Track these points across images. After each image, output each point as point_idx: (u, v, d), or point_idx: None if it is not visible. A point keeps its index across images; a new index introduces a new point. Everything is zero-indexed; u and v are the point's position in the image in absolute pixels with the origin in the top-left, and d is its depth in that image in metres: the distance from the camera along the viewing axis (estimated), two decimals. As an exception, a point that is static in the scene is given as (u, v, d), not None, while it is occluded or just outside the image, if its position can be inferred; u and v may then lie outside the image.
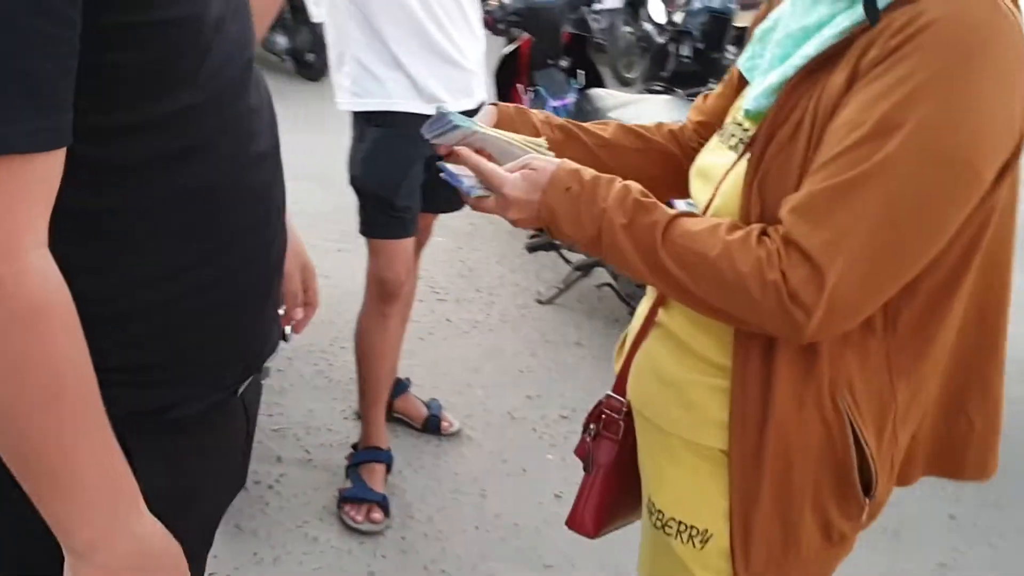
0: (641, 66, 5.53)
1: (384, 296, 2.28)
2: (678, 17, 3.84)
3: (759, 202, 0.95)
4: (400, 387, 2.71)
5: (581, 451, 1.25)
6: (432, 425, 2.71)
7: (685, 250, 0.92)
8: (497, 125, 1.17)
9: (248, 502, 2.35)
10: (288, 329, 1.21)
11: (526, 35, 3.54)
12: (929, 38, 0.84)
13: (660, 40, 3.85)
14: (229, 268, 0.94)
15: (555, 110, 3.49)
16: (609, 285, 3.34)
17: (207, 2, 0.84)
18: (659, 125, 1.26)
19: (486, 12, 3.32)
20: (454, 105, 2.18)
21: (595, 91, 3.36)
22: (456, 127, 1.05)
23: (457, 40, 2.17)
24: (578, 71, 3.61)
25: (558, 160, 1.03)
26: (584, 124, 1.22)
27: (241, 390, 1.01)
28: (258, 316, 1.00)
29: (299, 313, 1.21)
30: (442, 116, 1.06)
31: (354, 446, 2.48)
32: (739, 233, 0.91)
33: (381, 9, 2.05)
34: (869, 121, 0.85)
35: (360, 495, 2.34)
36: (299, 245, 1.23)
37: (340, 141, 2.29)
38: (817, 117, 0.91)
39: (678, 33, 3.71)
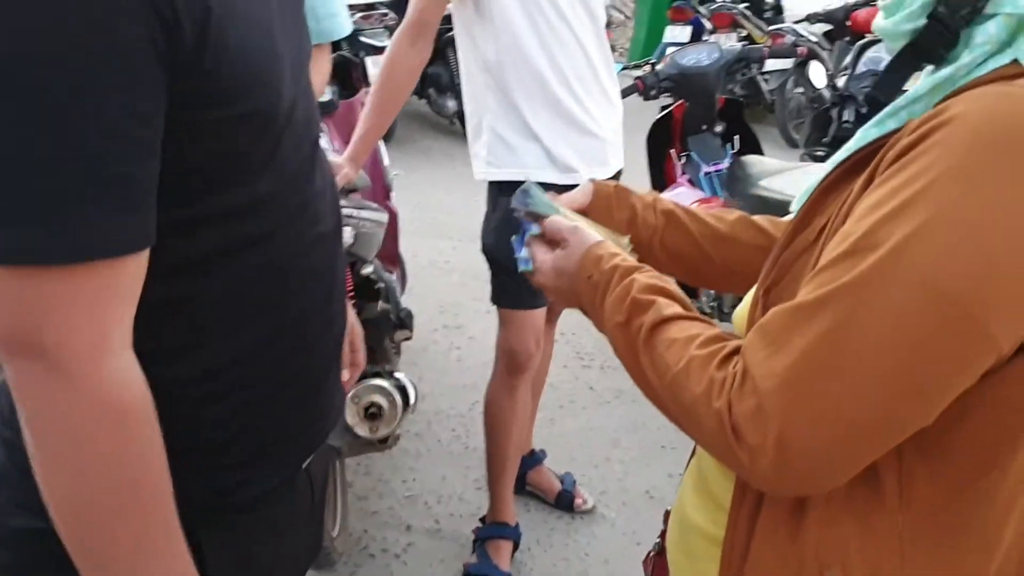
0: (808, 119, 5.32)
1: (513, 368, 2.24)
2: (841, 81, 3.65)
3: (762, 311, 0.81)
4: (534, 459, 2.65)
5: (645, 565, 1.12)
6: (565, 501, 2.63)
7: (659, 358, 0.80)
8: (593, 204, 1.11)
9: (373, 570, 2.34)
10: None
11: (679, 100, 3.47)
12: (941, 138, 0.66)
13: (823, 103, 3.68)
14: (298, 346, 0.94)
15: (708, 176, 3.38)
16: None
17: (280, 91, 0.85)
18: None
19: (636, 78, 3.28)
20: (588, 173, 2.14)
21: (749, 158, 3.23)
22: (535, 210, 1.02)
23: (592, 110, 2.14)
24: (734, 136, 3.49)
25: (589, 242, 0.95)
26: (700, 212, 1.12)
27: (307, 463, 1.02)
28: (323, 391, 1.01)
29: (346, 374, 1.20)
30: (525, 193, 1.02)
31: (482, 519, 2.43)
32: (710, 348, 0.77)
33: (516, 80, 2.05)
34: (856, 233, 0.69)
35: (484, 572, 2.28)
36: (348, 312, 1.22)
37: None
38: (836, 223, 0.76)
39: (841, 97, 3.52)
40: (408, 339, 2.37)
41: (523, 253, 1.02)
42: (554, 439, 2.91)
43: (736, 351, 0.75)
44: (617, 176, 2.28)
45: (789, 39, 6.43)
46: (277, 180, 0.88)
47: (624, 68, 3.39)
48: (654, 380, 0.81)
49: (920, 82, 0.77)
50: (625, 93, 3.18)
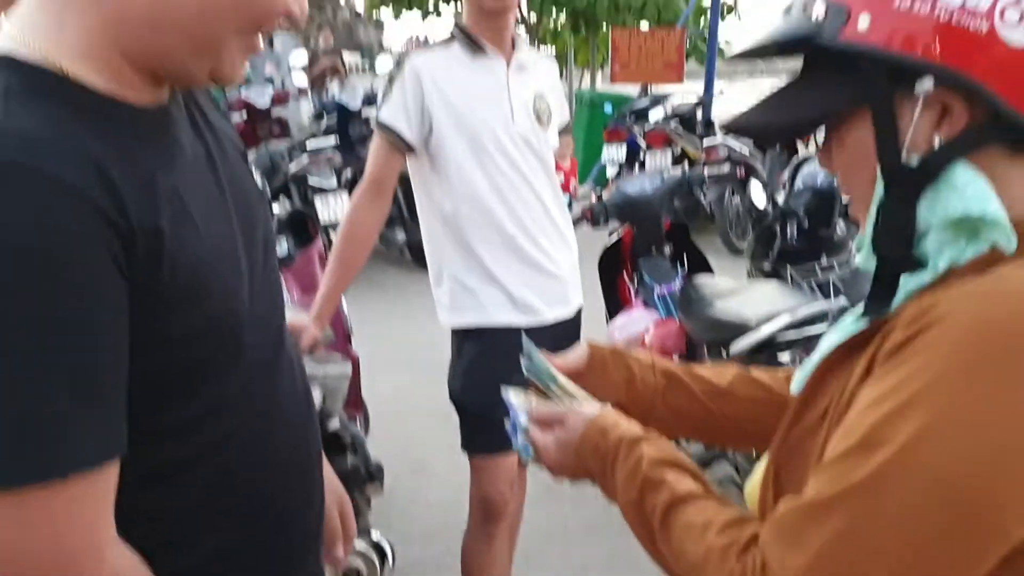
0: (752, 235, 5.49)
1: (489, 516, 2.20)
2: (780, 197, 3.80)
3: (774, 495, 0.83)
4: (513, 603, 2.58)
5: None
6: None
7: (677, 544, 0.83)
8: (588, 366, 1.12)
9: None
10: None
11: (627, 226, 3.57)
12: (933, 338, 0.70)
13: (765, 219, 3.81)
14: (275, 531, 0.96)
15: (662, 297, 3.44)
16: (732, 480, 3.16)
17: (239, 294, 0.88)
18: (790, 377, 1.11)
19: (585, 208, 3.38)
20: (550, 313, 2.17)
21: (700, 279, 3.31)
22: (533, 377, 1.04)
23: (549, 251, 2.19)
24: (683, 256, 3.58)
25: (590, 415, 0.97)
26: (697, 369, 1.14)
27: None
28: (303, 568, 1.02)
29: (340, 550, 1.21)
30: (527, 357, 1.06)
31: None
32: (727, 537, 0.79)
33: (474, 228, 2.10)
34: (860, 429, 0.71)
35: None
36: (333, 481, 1.23)
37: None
38: (839, 408, 0.79)
39: (782, 214, 3.66)
40: (380, 493, 2.32)
41: (520, 441, 1.03)
42: (531, 579, 2.84)
43: (753, 540, 0.76)
44: (579, 312, 2.32)
45: (723, 153, 6.69)
46: (244, 378, 0.90)
47: (571, 201, 3.49)
48: (672, 564, 0.82)
49: (903, 286, 0.81)
50: (574, 223, 3.27)
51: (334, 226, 5.54)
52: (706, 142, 7.21)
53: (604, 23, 11.11)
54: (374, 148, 2.10)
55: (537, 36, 12.29)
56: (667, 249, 3.56)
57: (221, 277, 0.86)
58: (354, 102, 7.76)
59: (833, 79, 0.82)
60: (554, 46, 13.34)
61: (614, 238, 3.68)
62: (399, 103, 2.03)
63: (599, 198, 3.47)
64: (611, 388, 1.11)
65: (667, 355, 3.22)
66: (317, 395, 2.02)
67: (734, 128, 0.88)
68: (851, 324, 0.85)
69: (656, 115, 8.51)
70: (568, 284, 2.25)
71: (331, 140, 6.18)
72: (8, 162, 0.69)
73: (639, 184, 3.54)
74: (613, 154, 8.14)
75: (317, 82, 11.01)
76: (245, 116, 7.64)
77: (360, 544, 1.99)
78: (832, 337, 0.86)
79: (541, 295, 2.17)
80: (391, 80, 2.08)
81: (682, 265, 3.54)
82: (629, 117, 8.43)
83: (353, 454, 2.26)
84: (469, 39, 2.07)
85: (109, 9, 0.79)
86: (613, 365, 1.12)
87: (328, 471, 1.17)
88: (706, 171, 4.00)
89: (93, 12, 0.79)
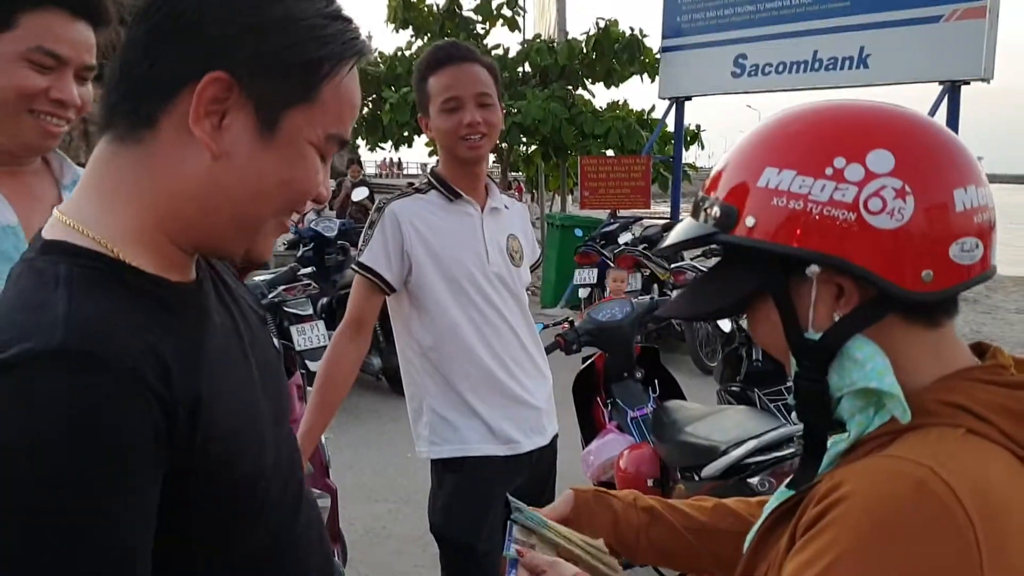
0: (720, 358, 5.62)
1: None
2: (746, 322, 3.96)
3: None
4: None
5: None
6: None
7: None
8: (574, 511, 1.20)
9: None
10: None
11: (599, 351, 3.68)
12: (838, 515, 0.78)
13: (732, 343, 3.95)
14: None
15: (635, 420, 3.53)
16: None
17: (263, 454, 0.94)
18: (762, 503, 1.19)
19: (557, 336, 3.49)
20: (527, 443, 2.25)
21: (671, 404, 3.41)
22: (523, 526, 1.11)
23: (526, 383, 2.28)
24: (654, 380, 3.69)
25: (568, 572, 1.04)
26: (678, 503, 1.22)
27: None
28: None
29: None
30: (518, 511, 1.13)
31: None
32: None
33: (453, 363, 2.19)
34: None
35: None
36: None
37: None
38: (774, 573, 0.87)
39: (747, 338, 3.80)
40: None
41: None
42: None
43: None
44: (554, 440, 2.39)
45: (690, 275, 6.91)
46: (267, 532, 0.94)
47: (544, 327, 3.60)
48: None
49: (831, 448, 0.91)
50: (548, 350, 3.37)
51: (310, 353, 5.61)
52: (673, 266, 7.46)
53: (571, 151, 11.54)
54: (355, 289, 2.21)
55: (508, 163, 12.72)
56: (639, 373, 3.67)
57: (247, 445, 0.91)
58: (330, 231, 7.94)
59: (740, 269, 0.93)
60: (525, 172, 13.78)
61: (587, 363, 3.78)
62: (380, 247, 2.16)
63: (571, 324, 3.59)
64: (598, 530, 1.19)
65: (641, 479, 3.27)
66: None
67: (667, 315, 1.00)
68: (783, 491, 0.94)
69: (625, 239, 8.80)
70: (543, 413, 2.33)
71: (307, 270, 6.31)
72: (80, 351, 0.74)
73: (609, 311, 3.67)
74: (585, 276, 8.37)
75: (344, 210, 11.39)
76: (313, 244, 7.79)
77: None
78: (771, 503, 0.95)
79: (519, 426, 2.25)
80: (371, 224, 2.21)
81: (654, 389, 3.64)
82: (599, 241, 8.71)
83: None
84: (445, 186, 2.22)
85: (161, 195, 0.87)
86: (597, 508, 1.20)
87: None
88: (674, 294, 4.16)
89: (142, 199, 0.87)
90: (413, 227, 2.16)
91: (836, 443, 0.90)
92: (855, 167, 0.83)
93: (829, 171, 0.84)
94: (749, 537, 0.97)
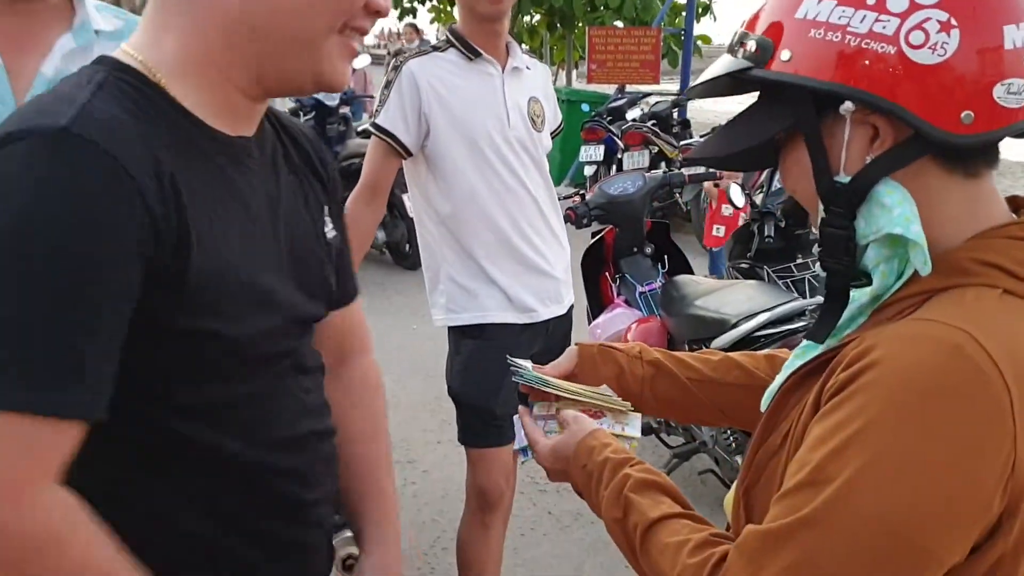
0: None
1: (484, 506, 2.27)
2: (759, 198, 3.90)
3: (745, 512, 0.91)
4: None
5: None
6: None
7: (655, 563, 0.89)
8: (579, 366, 1.20)
9: None
10: None
11: (609, 226, 3.65)
12: (869, 381, 0.75)
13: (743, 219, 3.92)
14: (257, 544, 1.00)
15: (643, 295, 3.53)
16: (711, 471, 3.26)
17: (257, 324, 0.93)
18: (770, 358, 1.20)
19: (568, 208, 3.45)
20: (545, 312, 2.25)
21: (681, 278, 3.40)
22: (527, 381, 1.12)
23: (545, 252, 2.27)
24: (664, 256, 3.67)
25: (584, 432, 1.05)
26: (684, 356, 1.21)
27: None
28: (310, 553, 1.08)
29: None
30: (516, 373, 1.13)
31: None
32: (700, 556, 0.84)
33: (471, 232, 2.17)
34: (808, 466, 0.77)
35: None
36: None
37: (438, 331, 2.39)
38: (796, 435, 0.85)
39: (760, 214, 3.76)
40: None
41: (524, 441, 1.11)
42: (519, 569, 2.92)
43: (722, 560, 0.82)
44: (570, 310, 2.40)
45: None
46: (251, 381, 0.96)
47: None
48: (653, 571, 0.89)
49: (853, 301, 0.88)
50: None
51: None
52: (683, 142, 7.34)
53: (580, 22, 11.19)
54: (371, 152, 2.16)
55: (513, 33, 12.37)
56: (648, 249, 3.65)
57: (249, 305, 0.92)
58: (332, 99, 7.77)
59: (772, 109, 0.89)
60: (529, 44, 13.42)
61: (596, 237, 3.76)
62: (396, 108, 2.10)
63: (582, 198, 3.55)
64: (603, 383, 1.19)
65: (649, 351, 3.31)
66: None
67: (694, 159, 0.96)
68: (807, 349, 0.92)
69: (633, 115, 8.62)
70: (562, 283, 2.33)
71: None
72: (74, 133, 0.78)
73: (621, 185, 3.62)
74: (591, 153, 8.23)
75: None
76: (314, 113, 7.66)
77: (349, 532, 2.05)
78: (792, 362, 0.93)
79: (536, 294, 2.25)
80: (388, 85, 2.14)
81: (663, 264, 3.63)
82: (606, 116, 8.53)
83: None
84: (464, 45, 2.14)
85: (206, 22, 0.87)
86: (602, 362, 1.20)
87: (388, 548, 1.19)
88: (685, 172, 4.10)
89: (184, 28, 0.88)
90: (431, 87, 2.10)
91: (859, 297, 0.88)
92: None
93: (871, 1, 0.80)
94: (769, 395, 0.96)
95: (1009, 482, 0.74)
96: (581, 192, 3.66)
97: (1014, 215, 0.88)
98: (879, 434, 0.74)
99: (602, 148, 8.16)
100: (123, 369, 0.83)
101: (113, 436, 0.85)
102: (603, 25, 10.42)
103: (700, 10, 11.63)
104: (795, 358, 0.94)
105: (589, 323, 3.63)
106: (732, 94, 0.98)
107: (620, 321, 3.53)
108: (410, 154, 2.14)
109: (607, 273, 3.76)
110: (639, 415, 1.17)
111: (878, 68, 0.79)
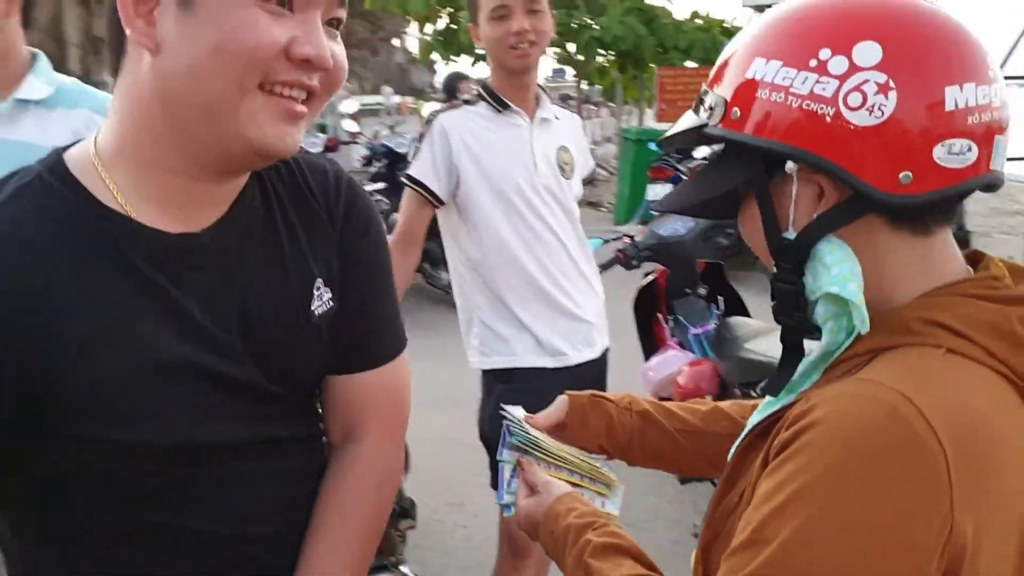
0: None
1: (516, 551, 2.28)
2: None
3: (704, 569, 0.90)
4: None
5: None
6: None
7: None
8: (569, 416, 1.21)
9: None
10: None
11: (661, 267, 3.64)
12: (808, 441, 0.75)
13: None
14: None
15: (696, 337, 3.50)
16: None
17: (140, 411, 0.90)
18: (756, 404, 1.16)
19: (618, 251, 3.46)
20: (576, 356, 2.27)
21: (734, 320, 3.37)
22: (515, 446, 1.13)
23: (576, 297, 2.28)
24: (718, 297, 3.64)
25: (552, 498, 1.06)
26: (674, 407, 1.21)
27: None
28: None
29: None
30: (508, 432, 1.14)
31: None
32: None
33: (502, 277, 2.21)
34: (751, 524, 0.77)
35: None
36: None
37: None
38: (749, 493, 0.84)
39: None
40: (412, 528, 2.42)
41: (506, 499, 1.13)
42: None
43: None
44: (605, 353, 2.40)
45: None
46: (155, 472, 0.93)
47: (605, 242, 3.57)
48: None
49: (806, 359, 0.88)
50: (607, 266, 3.36)
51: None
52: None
53: (650, 63, 11.24)
54: (405, 202, 2.23)
55: (585, 75, 12.47)
56: (702, 290, 3.62)
57: (108, 395, 0.87)
58: (402, 147, 7.97)
59: (730, 163, 0.90)
60: (600, 83, 13.51)
61: (649, 279, 3.76)
62: (428, 160, 2.17)
63: (631, 239, 3.55)
64: (592, 435, 1.20)
65: (700, 395, 3.27)
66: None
67: (663, 208, 0.98)
68: (767, 405, 0.91)
69: (701, 153, 8.57)
70: (594, 327, 2.33)
71: (379, 185, 6.36)
72: None
73: (672, 225, 3.62)
74: (658, 191, 8.20)
75: None
76: None
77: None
78: (753, 417, 0.93)
79: (567, 338, 2.27)
80: (421, 138, 2.22)
81: (718, 306, 3.60)
82: (674, 155, 8.51)
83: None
84: (494, 97, 2.20)
85: (132, 108, 0.88)
86: (592, 413, 1.20)
87: None
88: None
89: (121, 111, 0.90)
90: (461, 139, 2.16)
91: (809, 356, 0.88)
92: (840, 59, 0.79)
93: (813, 63, 0.80)
94: (732, 451, 0.95)
95: (947, 546, 0.72)
96: (631, 234, 3.67)
97: (971, 270, 0.87)
98: (815, 495, 0.74)
99: (669, 187, 8.13)
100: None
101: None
102: (672, 66, 10.44)
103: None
104: (757, 414, 0.93)
105: (642, 365, 3.62)
106: (700, 145, 1.00)
107: (672, 364, 3.51)
108: (442, 203, 2.20)
109: (660, 315, 3.75)
110: (622, 488, 1.18)
111: (818, 129, 0.80)
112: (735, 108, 0.86)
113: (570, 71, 13.85)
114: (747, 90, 0.85)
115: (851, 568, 0.72)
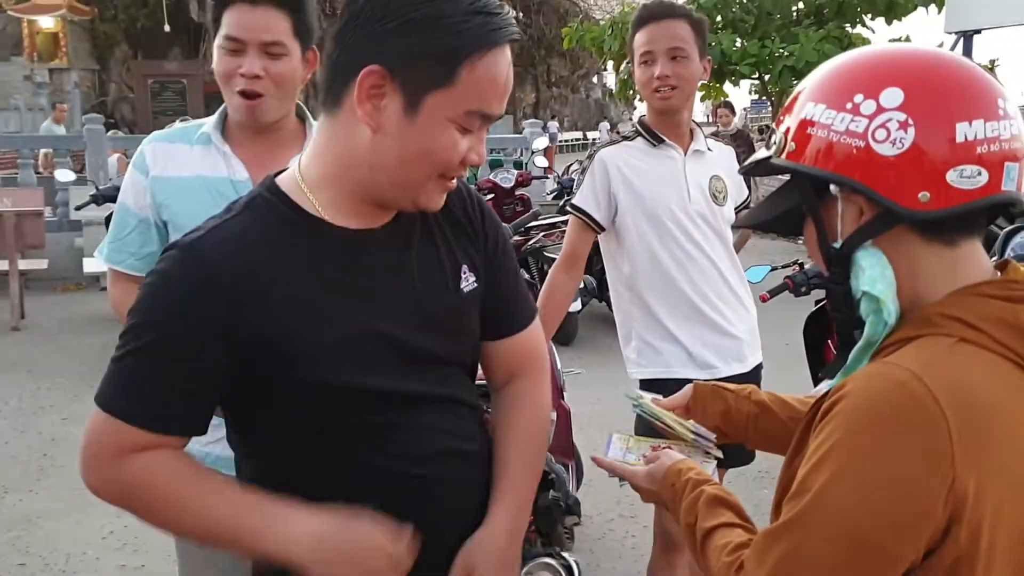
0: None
1: (670, 546, 2.47)
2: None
3: (775, 512, 1.07)
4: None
5: None
6: None
7: (707, 560, 1.10)
8: (692, 401, 1.45)
9: None
10: None
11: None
12: (839, 410, 0.94)
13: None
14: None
15: (868, 363, 3.51)
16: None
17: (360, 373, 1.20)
18: None
19: (786, 277, 3.56)
20: (727, 369, 2.44)
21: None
22: (644, 413, 1.39)
23: (728, 315, 2.47)
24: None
25: (673, 460, 1.28)
26: (788, 398, 1.40)
27: None
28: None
29: None
30: (637, 405, 1.41)
31: None
32: (733, 556, 1.05)
33: (656, 296, 2.44)
34: (798, 478, 0.97)
35: None
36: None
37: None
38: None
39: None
40: (577, 524, 2.65)
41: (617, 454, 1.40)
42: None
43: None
44: (757, 369, 2.56)
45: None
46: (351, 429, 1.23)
47: (773, 269, 3.68)
48: (707, 571, 1.13)
49: (856, 347, 1.07)
50: (776, 292, 3.47)
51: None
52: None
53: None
54: (569, 228, 2.52)
55: (780, 104, 12.30)
56: (874, 316, 3.63)
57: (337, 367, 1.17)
58: (507, 182, 8.54)
59: (792, 187, 1.10)
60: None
61: (819, 305, 3.81)
62: (589, 190, 2.44)
63: (800, 267, 3.64)
64: (711, 418, 1.42)
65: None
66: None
67: (741, 224, 1.19)
68: (827, 387, 1.08)
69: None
70: (744, 343, 2.50)
71: (567, 217, 6.69)
72: (192, 248, 1.15)
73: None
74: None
75: None
76: (492, 195, 8.46)
77: (552, 561, 2.32)
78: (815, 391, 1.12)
79: (718, 352, 2.45)
80: (584, 170, 2.50)
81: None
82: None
83: (554, 489, 2.63)
84: (649, 133, 2.45)
85: (342, 155, 1.18)
86: (712, 399, 1.43)
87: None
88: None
89: (331, 156, 1.20)
90: (619, 171, 2.42)
91: (857, 344, 1.06)
92: (869, 102, 0.99)
93: (849, 105, 1.01)
94: (800, 424, 1.13)
95: (950, 494, 0.90)
96: (800, 261, 3.75)
97: (997, 275, 1.03)
98: (840, 453, 0.93)
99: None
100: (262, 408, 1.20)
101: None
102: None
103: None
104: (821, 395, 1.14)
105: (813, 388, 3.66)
106: (773, 174, 1.21)
107: (841, 388, 3.53)
108: (602, 229, 2.46)
109: (830, 341, 3.78)
110: (714, 463, 1.40)
111: (852, 158, 1.00)
112: (792, 143, 1.07)
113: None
114: (801, 127, 1.06)
115: (869, 508, 0.92)
